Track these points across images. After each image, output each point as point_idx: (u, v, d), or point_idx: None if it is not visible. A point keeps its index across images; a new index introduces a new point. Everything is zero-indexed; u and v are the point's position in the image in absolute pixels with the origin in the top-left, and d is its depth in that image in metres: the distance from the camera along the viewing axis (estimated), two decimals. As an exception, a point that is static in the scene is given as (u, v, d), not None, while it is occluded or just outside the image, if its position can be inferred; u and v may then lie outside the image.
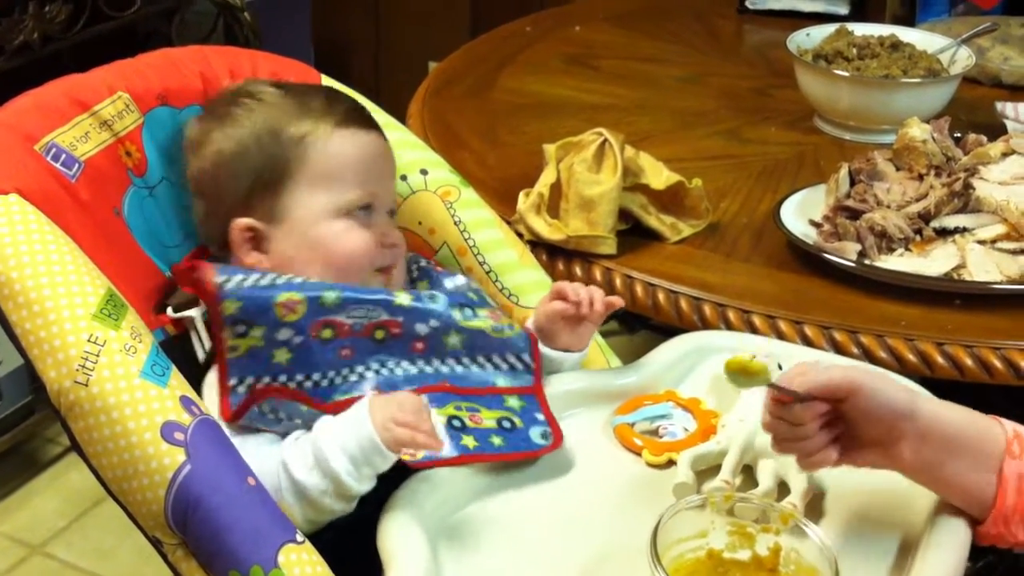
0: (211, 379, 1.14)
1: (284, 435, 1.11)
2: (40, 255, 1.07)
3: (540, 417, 1.18)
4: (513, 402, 1.18)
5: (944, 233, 1.49)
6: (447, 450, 1.11)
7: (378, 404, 1.07)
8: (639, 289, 1.47)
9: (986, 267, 1.43)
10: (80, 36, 2.35)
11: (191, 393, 1.07)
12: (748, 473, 1.12)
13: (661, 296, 1.46)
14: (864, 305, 1.42)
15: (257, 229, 1.21)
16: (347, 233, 1.21)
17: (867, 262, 1.46)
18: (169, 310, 1.21)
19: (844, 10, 2.30)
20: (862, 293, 1.43)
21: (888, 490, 1.10)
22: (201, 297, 1.16)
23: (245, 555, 0.99)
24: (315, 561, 1.01)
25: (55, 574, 2.21)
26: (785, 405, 1.02)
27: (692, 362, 1.29)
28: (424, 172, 1.41)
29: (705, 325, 1.42)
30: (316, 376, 1.13)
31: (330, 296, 1.14)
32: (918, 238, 1.49)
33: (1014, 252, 1.45)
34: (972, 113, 1.87)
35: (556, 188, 1.53)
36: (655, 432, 1.18)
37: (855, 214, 1.50)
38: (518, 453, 1.14)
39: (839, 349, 1.36)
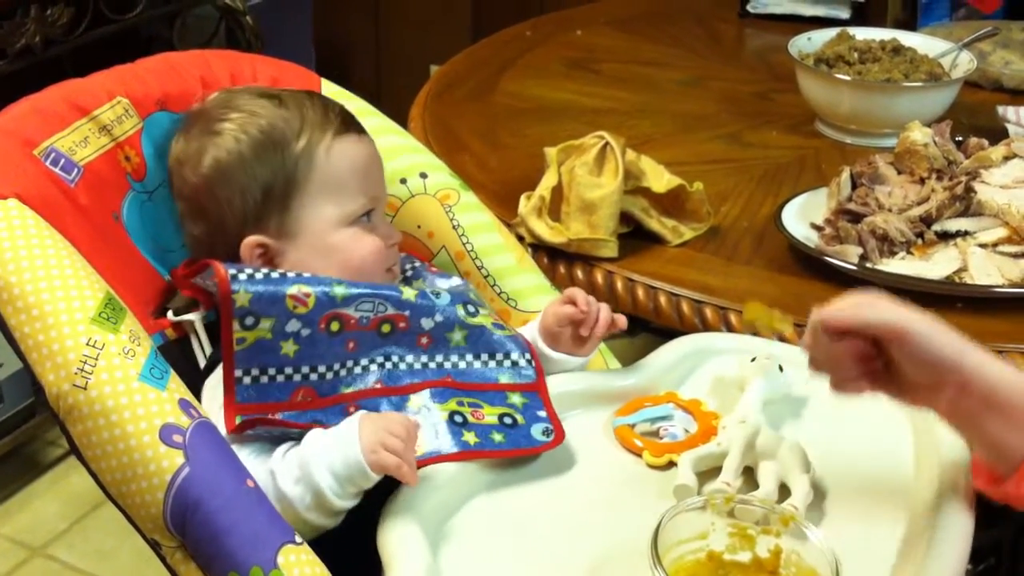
0: (211, 382, 1.15)
1: (280, 442, 1.10)
2: (39, 259, 1.07)
3: (542, 414, 1.18)
4: (516, 399, 1.19)
5: (945, 236, 1.49)
6: (448, 446, 1.11)
7: (368, 425, 1.05)
8: (640, 292, 1.47)
9: (987, 270, 1.43)
10: (82, 40, 2.35)
11: (189, 396, 1.07)
12: (749, 475, 1.12)
13: (663, 299, 1.46)
14: (865, 308, 1.42)
15: (268, 245, 1.20)
16: (358, 239, 1.21)
17: (869, 265, 1.45)
18: (169, 313, 1.21)
19: (845, 14, 2.30)
20: (864, 296, 1.43)
21: (890, 492, 1.10)
22: (203, 294, 1.16)
23: (244, 557, 0.99)
24: (314, 562, 1.01)
25: (56, 577, 2.22)
26: (828, 334, 1.02)
27: (693, 364, 1.29)
28: (424, 176, 1.41)
29: (707, 328, 1.42)
30: (322, 368, 1.13)
31: (340, 290, 1.14)
32: (920, 241, 1.49)
33: (1015, 255, 1.45)
34: (973, 117, 1.87)
35: (557, 191, 1.53)
36: (656, 433, 1.18)
37: (857, 217, 1.50)
38: (519, 450, 1.14)
39: (840, 352, 1.36)
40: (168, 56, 1.34)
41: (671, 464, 1.14)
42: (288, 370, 1.12)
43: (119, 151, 1.24)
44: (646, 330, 2.20)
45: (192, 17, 2.74)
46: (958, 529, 1.03)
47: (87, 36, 2.36)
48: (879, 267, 1.45)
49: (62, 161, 1.17)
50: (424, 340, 1.19)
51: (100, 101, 1.24)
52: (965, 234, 1.49)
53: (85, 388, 1.02)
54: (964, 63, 1.87)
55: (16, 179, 1.12)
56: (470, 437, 1.12)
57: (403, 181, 1.39)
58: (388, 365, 1.17)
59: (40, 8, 2.25)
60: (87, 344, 1.03)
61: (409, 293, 1.19)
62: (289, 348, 1.12)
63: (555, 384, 1.22)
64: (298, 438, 1.08)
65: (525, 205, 1.54)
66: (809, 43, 1.92)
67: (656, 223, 1.55)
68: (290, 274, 1.14)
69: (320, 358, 1.13)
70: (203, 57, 1.35)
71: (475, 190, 1.44)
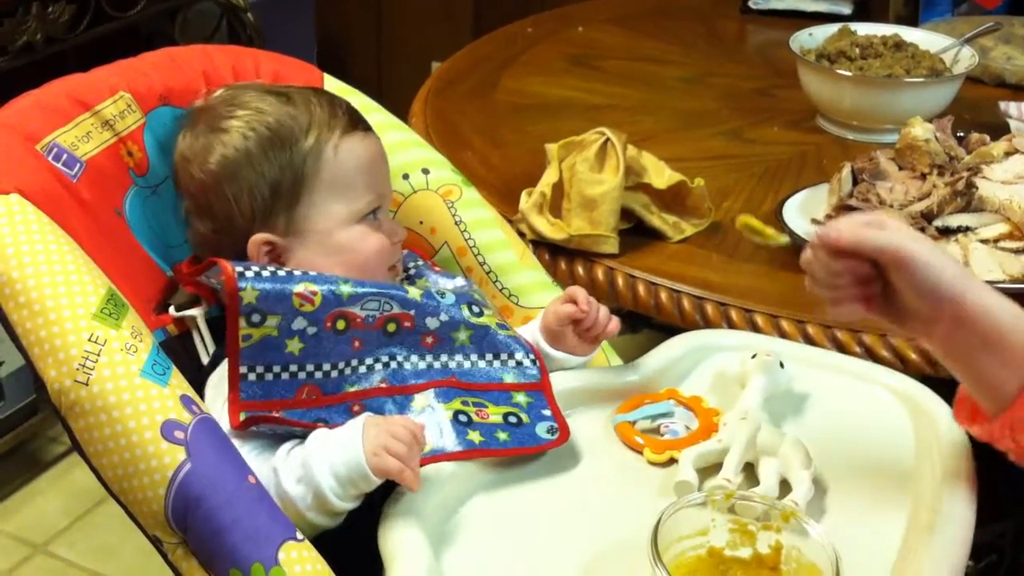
0: (215, 379, 1.14)
1: (283, 439, 1.10)
2: (41, 255, 1.07)
3: (547, 412, 1.18)
4: (520, 398, 1.19)
5: (947, 232, 1.49)
6: (453, 444, 1.11)
7: (372, 428, 1.05)
8: (641, 288, 1.47)
9: (989, 266, 1.43)
10: (83, 37, 2.35)
11: (191, 392, 1.06)
12: (750, 471, 1.12)
13: (663, 295, 1.46)
14: (867, 305, 1.41)
15: (276, 243, 1.20)
16: (365, 237, 1.21)
17: (869, 261, 1.45)
18: (171, 309, 1.21)
19: (847, 10, 2.30)
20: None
21: (890, 488, 1.10)
22: (206, 290, 1.16)
23: (246, 553, 0.99)
24: (315, 559, 1.01)
25: (58, 573, 2.21)
26: (827, 252, 1.00)
27: (694, 360, 1.29)
28: (426, 171, 1.41)
29: (707, 324, 1.42)
30: (327, 367, 1.13)
31: (346, 288, 1.14)
32: (921, 237, 1.49)
33: (1017, 251, 1.45)
34: (975, 112, 1.86)
35: (558, 187, 1.53)
36: (656, 430, 1.18)
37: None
38: (523, 448, 1.14)
39: (842, 348, 1.36)
40: (170, 51, 1.34)
41: (672, 461, 1.14)
42: (293, 368, 1.12)
43: (121, 146, 1.24)
44: (647, 326, 2.21)
45: (193, 13, 2.74)
46: (959, 525, 1.03)
47: (88, 33, 2.36)
48: (880, 263, 1.45)
49: (64, 156, 1.17)
50: (429, 340, 1.19)
51: (102, 96, 1.24)
52: (966, 230, 1.49)
53: (87, 384, 1.02)
54: (966, 59, 1.87)
55: (18, 174, 1.12)
56: (475, 436, 1.12)
57: (405, 177, 1.39)
58: (393, 364, 1.17)
59: (41, 5, 2.25)
60: (89, 340, 1.03)
61: (414, 292, 1.19)
62: (295, 346, 1.12)
63: (556, 382, 1.22)
64: (302, 436, 1.08)
65: (526, 201, 1.54)
66: (811, 39, 1.92)
67: (657, 219, 1.55)
68: (297, 272, 1.14)
69: (325, 356, 1.13)
70: (205, 52, 1.35)
71: (476, 186, 1.44)
